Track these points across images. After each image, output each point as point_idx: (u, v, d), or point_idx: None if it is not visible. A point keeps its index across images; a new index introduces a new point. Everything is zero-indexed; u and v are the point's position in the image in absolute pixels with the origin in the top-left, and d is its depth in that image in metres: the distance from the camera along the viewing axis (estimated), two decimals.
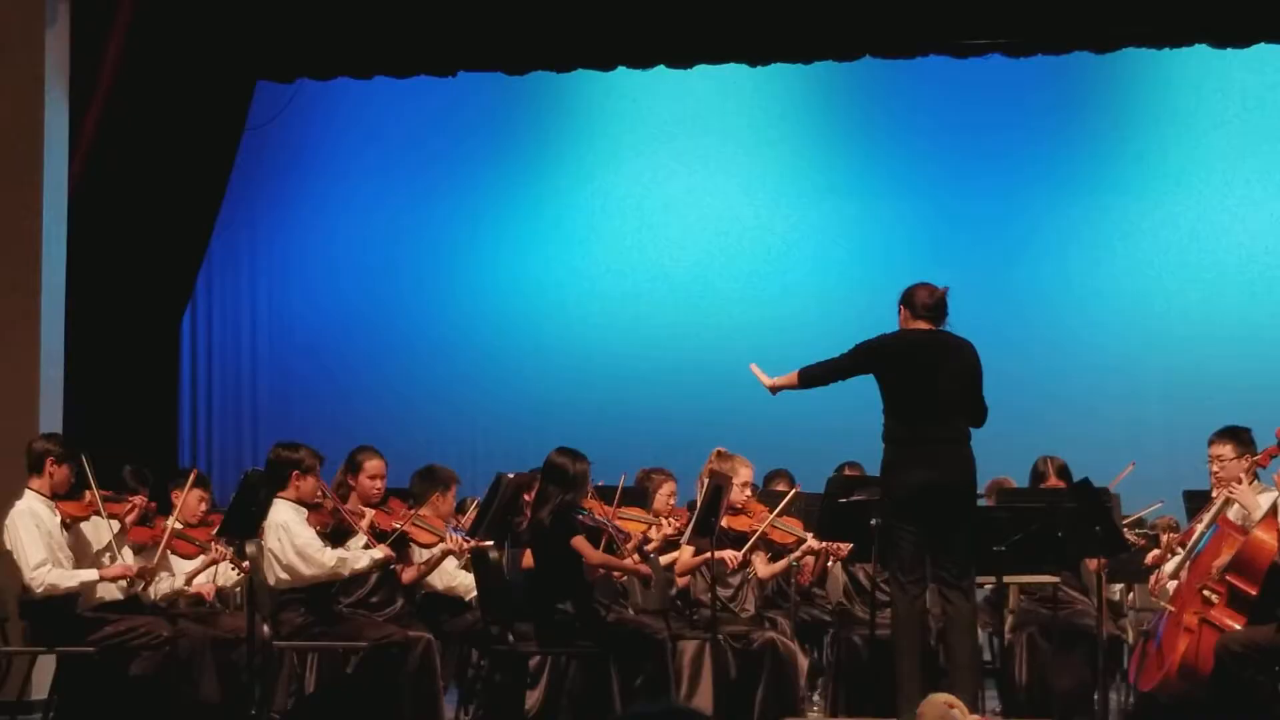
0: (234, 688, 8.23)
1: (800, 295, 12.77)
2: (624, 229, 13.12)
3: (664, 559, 8.68)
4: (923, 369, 7.49)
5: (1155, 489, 9.34)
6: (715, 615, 8.22)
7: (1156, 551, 8.28)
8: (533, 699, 8.43)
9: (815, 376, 7.70)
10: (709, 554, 8.27)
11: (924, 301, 7.55)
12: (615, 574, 8.48)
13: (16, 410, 9.65)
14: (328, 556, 8.19)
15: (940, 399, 7.48)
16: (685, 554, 8.69)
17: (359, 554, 8.28)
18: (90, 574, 8.12)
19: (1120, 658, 9.17)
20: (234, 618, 8.55)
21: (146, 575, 8.30)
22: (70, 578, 8.07)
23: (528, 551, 8.29)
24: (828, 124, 13.01)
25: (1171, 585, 8.04)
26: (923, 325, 7.55)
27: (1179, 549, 8.13)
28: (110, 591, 8.22)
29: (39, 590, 8.01)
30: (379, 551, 8.30)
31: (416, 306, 13.16)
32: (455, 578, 8.96)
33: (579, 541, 7.95)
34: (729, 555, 8.64)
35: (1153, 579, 8.22)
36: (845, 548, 8.65)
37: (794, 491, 9.05)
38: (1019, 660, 8.74)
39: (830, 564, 9.00)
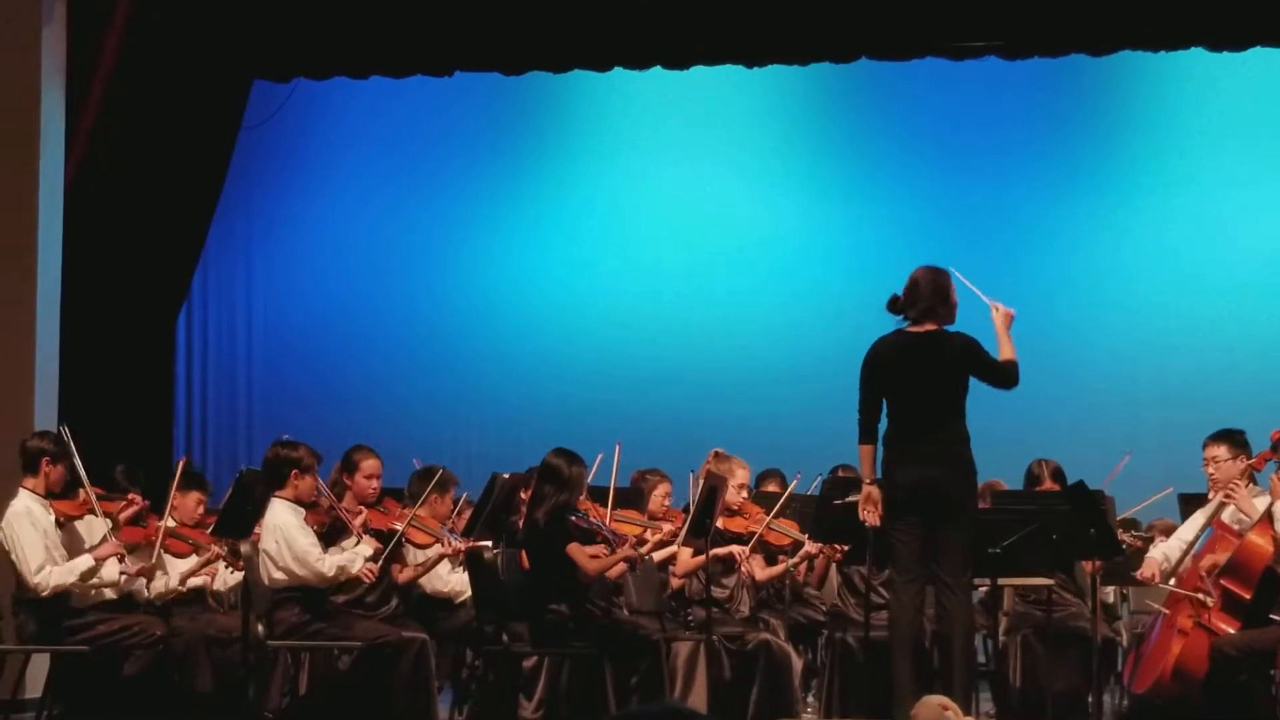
0: (228, 686, 8.22)
1: (796, 295, 12.78)
2: (619, 229, 13.11)
3: (659, 555, 8.65)
4: (911, 373, 7.45)
5: (1151, 488, 9.31)
6: (710, 616, 8.20)
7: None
8: (530, 707, 8.40)
9: (866, 428, 7.57)
10: (708, 554, 8.26)
11: (897, 305, 7.54)
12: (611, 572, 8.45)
13: (11, 408, 9.65)
14: (326, 566, 8.17)
15: (932, 401, 7.46)
16: (684, 555, 8.67)
17: (353, 557, 8.27)
18: (85, 560, 8.12)
19: (1114, 660, 9.17)
20: (228, 616, 8.54)
21: (147, 573, 8.29)
22: (69, 572, 8.06)
23: (524, 552, 8.27)
24: (824, 125, 13.01)
25: (1155, 569, 8.04)
26: (910, 327, 7.53)
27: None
28: (104, 590, 8.21)
29: (45, 594, 8.02)
30: (367, 547, 8.28)
31: (412, 306, 13.15)
32: (448, 583, 8.95)
33: (574, 549, 7.92)
34: (736, 550, 8.64)
35: (1147, 571, 8.19)
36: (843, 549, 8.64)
37: (790, 489, 9.01)
38: (1013, 662, 8.74)
39: (830, 565, 8.99)
